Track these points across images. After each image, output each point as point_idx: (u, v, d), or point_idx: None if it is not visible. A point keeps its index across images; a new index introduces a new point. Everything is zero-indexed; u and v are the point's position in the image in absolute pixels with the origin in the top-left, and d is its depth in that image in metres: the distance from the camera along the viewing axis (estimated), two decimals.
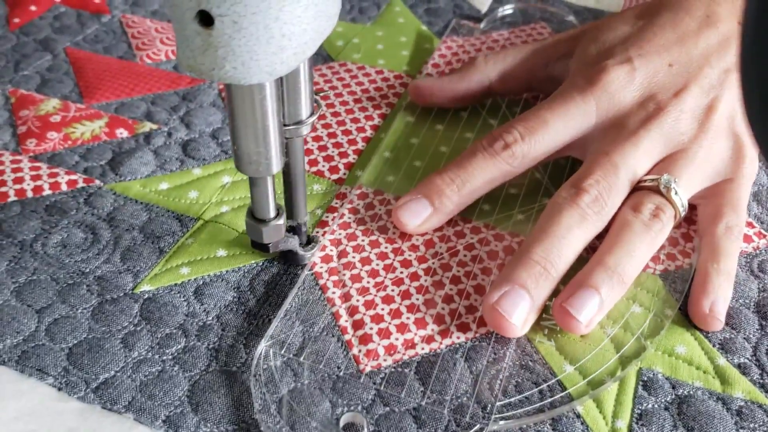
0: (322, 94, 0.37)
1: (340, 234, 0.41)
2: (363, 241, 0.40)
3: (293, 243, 0.38)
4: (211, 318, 0.36)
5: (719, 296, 0.37)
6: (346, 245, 0.40)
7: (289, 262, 0.39)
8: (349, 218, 0.41)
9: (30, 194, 0.42)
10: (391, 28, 0.57)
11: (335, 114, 0.48)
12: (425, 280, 0.38)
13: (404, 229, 0.40)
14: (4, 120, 0.47)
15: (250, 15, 0.26)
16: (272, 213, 0.36)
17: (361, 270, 0.39)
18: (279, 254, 0.39)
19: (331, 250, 0.40)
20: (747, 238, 0.41)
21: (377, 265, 0.39)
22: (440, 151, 0.46)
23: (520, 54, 0.48)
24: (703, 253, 0.39)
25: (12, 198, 0.41)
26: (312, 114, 0.34)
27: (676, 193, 0.38)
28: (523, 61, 0.48)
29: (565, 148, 0.42)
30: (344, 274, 0.38)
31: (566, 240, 0.37)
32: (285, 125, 0.34)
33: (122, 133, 0.46)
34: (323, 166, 0.45)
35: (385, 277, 0.38)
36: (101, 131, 0.46)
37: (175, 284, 0.38)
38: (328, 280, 0.38)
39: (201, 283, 0.38)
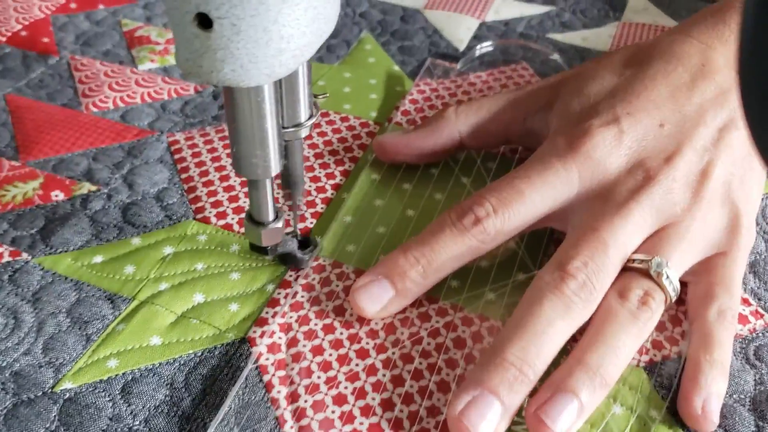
0: (321, 97, 0.36)
1: (291, 317, 0.36)
2: (316, 325, 0.36)
3: (292, 246, 0.37)
4: (138, 422, 0.32)
5: (712, 392, 0.33)
6: (297, 331, 0.36)
7: (289, 264, 0.38)
8: (303, 296, 0.37)
9: None
10: (360, 68, 0.53)
11: None
12: (383, 375, 0.34)
13: (362, 314, 0.36)
14: None
15: (249, 17, 0.26)
16: (271, 216, 0.35)
17: (311, 362, 0.35)
18: (278, 257, 0.38)
19: (280, 338, 0.36)
20: (742, 319, 0.37)
21: (330, 355, 0.35)
22: (407, 216, 0.42)
23: (495, 105, 0.43)
24: (694, 342, 0.35)
25: None
26: (311, 117, 0.34)
27: (667, 277, 0.34)
28: (499, 113, 0.43)
29: (543, 219, 0.37)
30: (292, 368, 0.34)
31: (547, 336, 0.32)
32: (284, 128, 0.34)
33: (57, 195, 0.42)
34: None
35: (338, 371, 0.34)
36: (35, 194, 0.42)
37: (101, 380, 0.34)
38: (273, 375, 0.34)
39: (130, 378, 0.34)
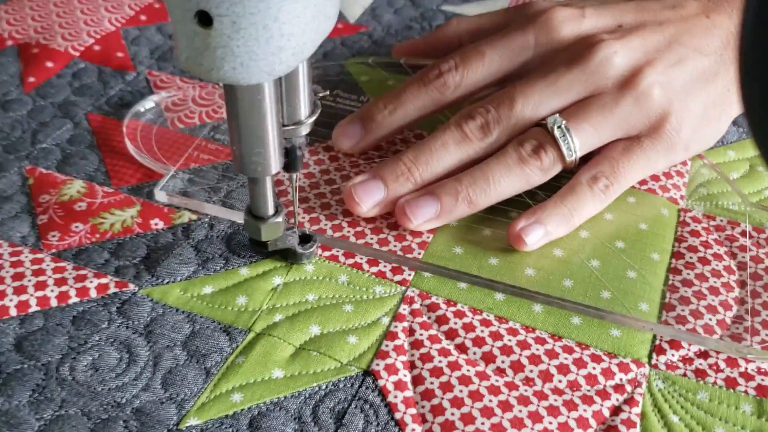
0: (321, 95, 0.36)
1: (413, 355, 0.35)
2: (440, 362, 0.35)
3: (291, 241, 0.37)
4: None
5: (541, 223, 0.38)
6: (422, 369, 0.35)
7: (289, 260, 0.38)
8: (422, 334, 0.36)
9: (54, 303, 0.36)
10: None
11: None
12: (519, 411, 0.33)
13: (339, 148, 0.44)
14: (21, 206, 0.41)
15: (248, 15, 0.26)
16: (271, 211, 0.35)
17: (442, 399, 0.33)
18: (277, 252, 0.38)
19: (405, 375, 0.34)
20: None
21: (461, 392, 0.34)
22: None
23: (495, 17, 0.47)
24: (560, 191, 0.39)
25: (34, 308, 0.36)
26: (311, 115, 0.34)
27: (563, 135, 0.38)
28: (494, 19, 0.47)
29: (502, 79, 0.42)
30: (423, 406, 0.33)
31: (438, 153, 0.39)
32: (284, 126, 0.34)
33: (157, 224, 0.41)
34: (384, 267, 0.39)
35: (472, 407, 0.33)
36: (133, 222, 0.41)
37: (226, 416, 0.32)
38: (405, 414, 0.33)
39: (256, 413, 0.33)
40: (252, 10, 0.26)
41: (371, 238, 0.40)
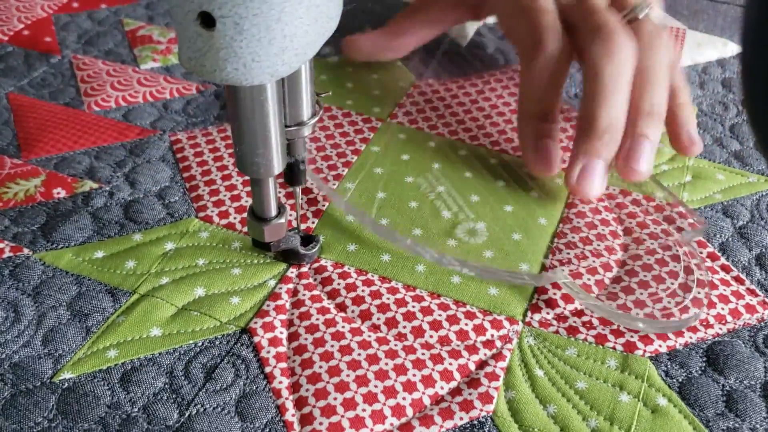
0: (323, 95, 0.36)
1: (292, 313, 0.36)
2: (318, 320, 0.36)
3: (294, 242, 0.37)
4: (136, 409, 0.32)
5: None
6: (299, 326, 0.35)
7: (291, 261, 0.38)
8: (305, 294, 0.37)
9: None
10: (362, 64, 0.53)
11: None
12: (386, 364, 0.34)
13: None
14: None
15: (251, 16, 0.26)
16: (273, 212, 0.35)
17: (313, 353, 0.34)
18: (280, 254, 0.38)
19: (281, 332, 0.35)
20: (750, 308, 0.37)
21: (332, 346, 0.35)
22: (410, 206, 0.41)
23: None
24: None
25: None
26: (313, 115, 0.34)
27: (653, 16, 0.42)
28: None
29: None
30: (294, 360, 0.34)
31: (620, 93, 0.40)
32: (286, 126, 0.33)
33: (59, 192, 0.42)
34: None
35: (340, 360, 0.34)
36: (36, 191, 0.42)
37: (99, 370, 0.33)
38: (275, 367, 0.34)
39: (129, 367, 0.34)
40: (255, 12, 0.26)
41: None
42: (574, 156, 0.40)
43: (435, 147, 0.46)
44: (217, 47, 0.27)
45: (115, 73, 0.51)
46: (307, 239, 0.39)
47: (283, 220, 0.36)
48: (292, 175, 0.36)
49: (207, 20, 0.26)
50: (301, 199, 0.40)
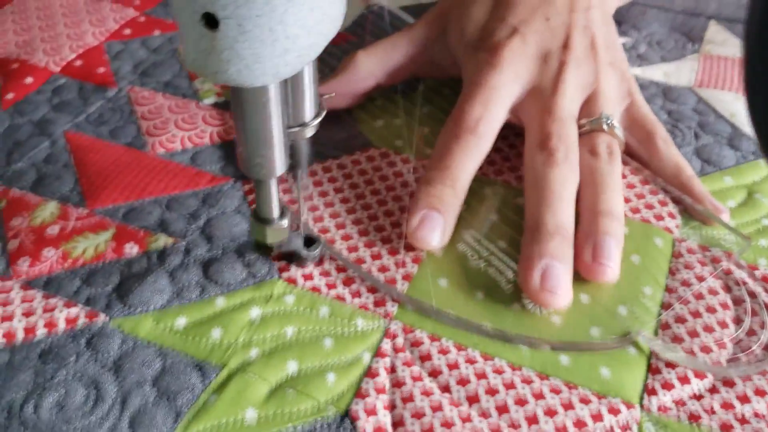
0: (326, 97, 0.36)
1: (394, 394, 0.34)
2: (422, 401, 0.33)
3: (297, 243, 0.37)
4: None
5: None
6: (404, 409, 0.33)
7: (293, 262, 0.38)
8: (404, 372, 0.35)
9: (20, 336, 0.35)
10: None
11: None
12: None
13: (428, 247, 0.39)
14: None
15: (254, 17, 0.26)
16: (276, 213, 0.35)
17: None
18: (282, 255, 0.38)
19: (385, 416, 0.33)
20: None
21: None
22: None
23: (398, 43, 0.48)
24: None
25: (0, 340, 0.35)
26: (316, 116, 0.34)
27: (617, 127, 0.42)
28: (402, 49, 0.47)
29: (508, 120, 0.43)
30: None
31: (564, 199, 0.39)
32: (289, 127, 0.34)
33: (132, 248, 0.39)
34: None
35: None
36: (107, 246, 0.39)
37: None
38: None
39: None
40: (257, 13, 0.26)
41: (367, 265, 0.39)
42: (528, 260, 0.37)
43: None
44: (220, 48, 0.27)
45: (177, 109, 0.48)
46: (310, 240, 0.38)
47: (285, 222, 0.36)
48: (292, 158, 0.35)
49: (211, 21, 0.26)
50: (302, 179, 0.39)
